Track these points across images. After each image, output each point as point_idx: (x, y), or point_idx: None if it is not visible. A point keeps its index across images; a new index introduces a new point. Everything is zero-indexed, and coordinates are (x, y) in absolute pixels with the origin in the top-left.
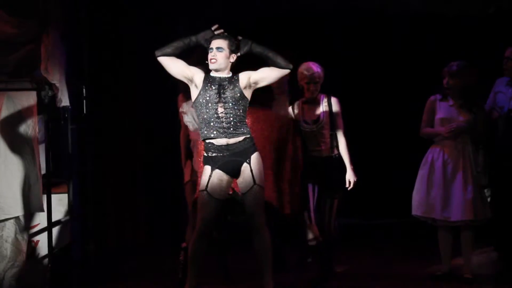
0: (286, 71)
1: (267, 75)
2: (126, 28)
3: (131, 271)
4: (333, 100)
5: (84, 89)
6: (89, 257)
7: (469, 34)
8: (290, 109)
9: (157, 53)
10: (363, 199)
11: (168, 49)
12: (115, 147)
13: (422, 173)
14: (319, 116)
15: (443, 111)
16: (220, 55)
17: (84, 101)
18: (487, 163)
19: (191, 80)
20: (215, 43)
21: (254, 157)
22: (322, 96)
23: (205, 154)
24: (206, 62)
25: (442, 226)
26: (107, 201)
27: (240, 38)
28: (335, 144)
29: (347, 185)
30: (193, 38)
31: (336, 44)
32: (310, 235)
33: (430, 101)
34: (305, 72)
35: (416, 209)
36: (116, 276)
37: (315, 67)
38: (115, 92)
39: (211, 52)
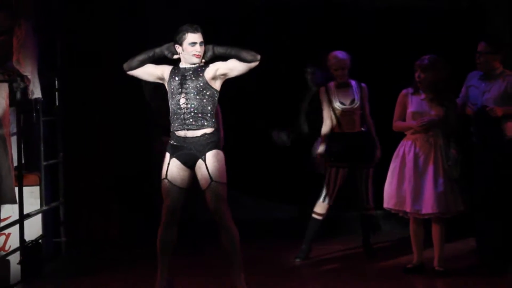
0: (254, 64)
1: (234, 67)
2: (99, 19)
3: (103, 264)
4: (363, 85)
5: (56, 81)
6: (61, 250)
7: (441, 27)
8: (323, 90)
9: (125, 68)
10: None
11: (133, 64)
12: (87, 140)
13: (393, 166)
14: (353, 98)
15: (415, 105)
16: (202, 49)
17: (56, 93)
18: (459, 156)
19: (163, 78)
20: (197, 37)
21: (210, 154)
22: (352, 81)
23: (170, 141)
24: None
25: (414, 218)
26: (79, 194)
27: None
28: (363, 122)
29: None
30: (157, 50)
31: (308, 38)
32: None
33: (402, 94)
34: (333, 60)
35: (388, 201)
36: (88, 269)
37: (341, 55)
38: (88, 84)
39: (193, 46)
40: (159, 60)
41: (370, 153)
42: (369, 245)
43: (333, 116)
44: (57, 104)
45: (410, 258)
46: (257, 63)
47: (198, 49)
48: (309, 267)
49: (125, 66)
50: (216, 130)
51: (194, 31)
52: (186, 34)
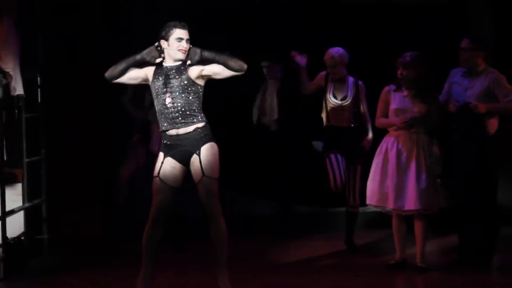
0: (239, 73)
1: (219, 72)
2: (81, 15)
3: (86, 261)
4: (360, 83)
5: (38, 78)
6: (43, 247)
7: (423, 24)
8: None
9: (107, 78)
10: (318, 187)
11: (115, 73)
12: (70, 136)
13: (376, 162)
14: (346, 94)
15: (398, 102)
16: (187, 46)
17: (39, 89)
18: (441, 153)
19: (147, 79)
20: (184, 34)
21: (205, 148)
22: (350, 78)
23: (162, 141)
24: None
25: (396, 215)
26: (61, 191)
27: (190, 46)
28: (354, 119)
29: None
30: (138, 57)
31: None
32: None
33: (384, 91)
34: (325, 57)
35: (371, 198)
36: (71, 266)
37: (332, 53)
38: (70, 80)
39: (179, 41)
40: None
41: (356, 149)
42: (352, 242)
43: (325, 108)
44: (39, 100)
45: (393, 254)
46: (243, 72)
47: (185, 45)
48: (292, 263)
49: (107, 75)
50: (208, 124)
51: (182, 27)
52: (174, 29)
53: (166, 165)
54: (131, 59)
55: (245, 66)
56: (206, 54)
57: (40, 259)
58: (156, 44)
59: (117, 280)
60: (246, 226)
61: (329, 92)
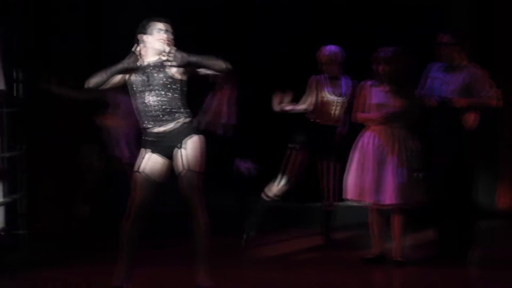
0: (222, 74)
1: (201, 70)
2: (59, 10)
3: (63, 257)
4: (354, 83)
5: (17, 73)
6: (20, 243)
7: (400, 19)
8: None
9: (91, 87)
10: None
11: (99, 82)
12: (48, 131)
13: (353, 157)
14: (341, 91)
15: (377, 97)
16: (169, 39)
17: (17, 84)
18: (420, 147)
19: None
20: (164, 26)
21: (190, 141)
22: (343, 76)
23: (143, 138)
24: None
25: (374, 209)
26: (40, 186)
27: (172, 51)
28: (341, 118)
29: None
30: (119, 66)
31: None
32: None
33: (361, 86)
34: (320, 54)
35: (349, 192)
36: (48, 262)
37: (327, 50)
38: (49, 75)
39: (160, 32)
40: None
41: (330, 146)
42: (329, 238)
43: (314, 104)
44: (18, 95)
45: (370, 248)
46: (226, 72)
47: (166, 36)
48: (270, 257)
49: (91, 85)
50: (193, 119)
51: (162, 20)
52: (154, 22)
53: (149, 160)
54: (113, 69)
55: (229, 66)
56: (191, 58)
57: (18, 254)
58: (133, 48)
59: (95, 275)
60: (223, 221)
61: (325, 89)
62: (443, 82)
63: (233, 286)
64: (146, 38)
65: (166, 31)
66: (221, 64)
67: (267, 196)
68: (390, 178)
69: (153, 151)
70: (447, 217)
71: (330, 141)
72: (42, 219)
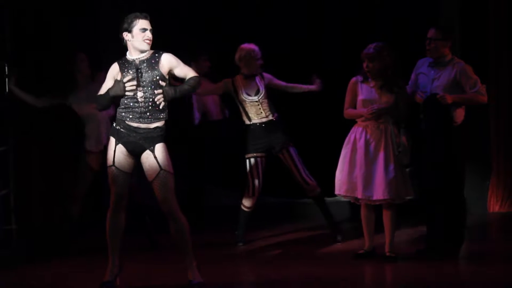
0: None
1: (183, 78)
2: (50, 4)
3: (55, 252)
4: (265, 74)
5: (6, 67)
6: (11, 238)
7: (388, 15)
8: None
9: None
10: (286, 178)
11: (105, 107)
12: (38, 125)
13: (344, 152)
14: (258, 88)
15: (365, 93)
16: (151, 36)
17: (7, 79)
18: (409, 143)
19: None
20: (147, 24)
21: (159, 146)
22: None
23: (113, 125)
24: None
25: (365, 205)
26: (30, 181)
27: (164, 89)
28: (273, 110)
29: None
30: (110, 94)
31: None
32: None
33: (351, 82)
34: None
35: (339, 188)
36: (39, 257)
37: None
38: (39, 69)
39: (143, 32)
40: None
41: (280, 134)
42: (334, 225)
43: (242, 108)
44: (7, 90)
45: (361, 244)
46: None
47: (149, 35)
48: (259, 252)
49: (98, 108)
50: (167, 122)
51: (144, 17)
52: (137, 20)
53: (119, 152)
54: (105, 96)
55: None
56: (178, 91)
57: (8, 250)
58: (125, 80)
59: (86, 271)
60: (214, 217)
61: (242, 92)
62: (429, 78)
63: (226, 281)
64: (128, 36)
65: (148, 29)
66: (199, 86)
67: (246, 207)
68: (379, 174)
69: (118, 142)
70: (437, 212)
71: (275, 131)
72: (32, 214)
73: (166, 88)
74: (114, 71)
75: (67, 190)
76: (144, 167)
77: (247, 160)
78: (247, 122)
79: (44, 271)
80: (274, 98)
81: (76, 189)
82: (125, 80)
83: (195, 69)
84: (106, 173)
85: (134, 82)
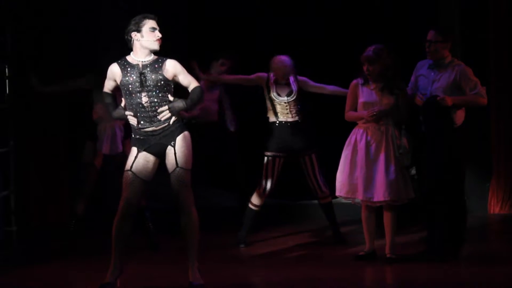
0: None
1: (186, 85)
2: (49, 5)
3: (55, 253)
4: (300, 78)
5: (6, 69)
6: (12, 239)
7: (388, 16)
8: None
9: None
10: (288, 179)
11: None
12: (38, 128)
13: (345, 154)
14: (291, 90)
15: (366, 95)
16: (161, 36)
17: (7, 80)
18: (409, 144)
19: (115, 80)
20: (155, 24)
21: (179, 140)
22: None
23: (133, 136)
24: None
25: (365, 206)
26: (30, 182)
27: (170, 105)
28: (301, 113)
29: None
30: (114, 116)
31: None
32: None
33: (352, 85)
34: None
35: (340, 189)
36: (40, 258)
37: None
38: (39, 71)
39: (153, 31)
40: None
41: (304, 140)
42: (337, 231)
43: (271, 106)
44: (7, 92)
45: (362, 245)
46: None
47: (159, 35)
48: (260, 254)
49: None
50: (180, 116)
51: (152, 18)
52: (146, 20)
53: (140, 159)
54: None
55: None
56: (189, 104)
57: (8, 251)
58: (127, 113)
59: (86, 273)
60: (215, 218)
61: (273, 90)
62: (429, 80)
63: (227, 283)
64: (137, 36)
65: (157, 29)
66: (202, 98)
67: (254, 205)
68: (380, 175)
69: (143, 150)
70: (437, 213)
71: (299, 136)
72: (32, 216)
73: (173, 103)
74: (114, 71)
75: (71, 189)
76: (165, 161)
77: (266, 158)
78: (273, 119)
79: (44, 272)
80: None
81: (81, 188)
82: (127, 113)
83: (214, 70)
84: (115, 176)
85: (135, 119)
